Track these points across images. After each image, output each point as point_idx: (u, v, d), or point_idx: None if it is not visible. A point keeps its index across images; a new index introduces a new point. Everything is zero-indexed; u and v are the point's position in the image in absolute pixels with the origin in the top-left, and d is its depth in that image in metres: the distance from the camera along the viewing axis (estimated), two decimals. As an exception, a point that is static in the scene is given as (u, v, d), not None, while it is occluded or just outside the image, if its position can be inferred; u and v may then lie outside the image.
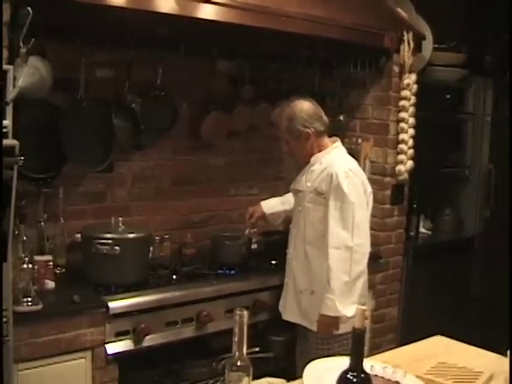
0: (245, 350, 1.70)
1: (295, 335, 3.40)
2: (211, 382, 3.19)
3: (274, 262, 3.66)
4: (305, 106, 3.19)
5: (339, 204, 3.08)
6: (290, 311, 3.32)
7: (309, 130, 3.16)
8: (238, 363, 1.70)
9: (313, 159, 3.24)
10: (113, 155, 3.38)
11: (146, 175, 3.67)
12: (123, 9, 2.74)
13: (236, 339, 1.70)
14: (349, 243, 3.05)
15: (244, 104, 3.85)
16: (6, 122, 2.40)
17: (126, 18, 2.96)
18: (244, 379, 1.71)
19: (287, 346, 3.50)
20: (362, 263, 3.12)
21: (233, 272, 3.45)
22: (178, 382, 3.23)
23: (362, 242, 3.11)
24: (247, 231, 3.58)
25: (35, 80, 2.73)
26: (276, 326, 3.49)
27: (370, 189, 3.26)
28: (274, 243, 3.79)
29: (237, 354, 1.70)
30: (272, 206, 3.62)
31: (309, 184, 3.22)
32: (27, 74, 2.67)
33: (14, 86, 2.48)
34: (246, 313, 1.67)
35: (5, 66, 2.51)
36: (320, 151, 3.24)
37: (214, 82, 3.82)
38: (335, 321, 3.07)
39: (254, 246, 3.80)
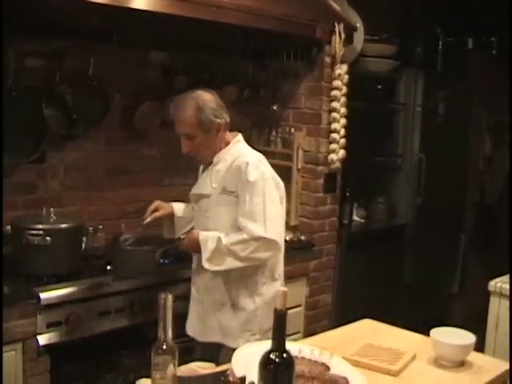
0: (170, 334, 1.73)
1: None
2: (144, 371, 3.18)
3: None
4: (211, 97, 2.95)
5: (249, 197, 2.82)
6: (210, 330, 3.03)
7: (220, 121, 2.91)
8: (164, 347, 1.73)
9: (215, 159, 2.96)
10: (45, 146, 3.35)
11: (79, 166, 3.65)
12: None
13: (161, 323, 1.72)
14: (260, 233, 2.80)
15: (177, 94, 3.84)
16: None
17: (58, 7, 2.93)
18: (170, 363, 1.74)
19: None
20: (263, 256, 2.88)
21: (167, 261, 3.46)
22: (113, 372, 3.22)
23: (274, 239, 2.84)
24: (145, 222, 3.18)
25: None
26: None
27: (282, 184, 3.01)
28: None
29: (162, 337, 1.73)
30: (183, 209, 3.28)
31: (215, 185, 2.95)
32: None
33: None
34: (170, 296, 1.70)
35: None
36: (225, 147, 2.98)
37: (147, 73, 3.83)
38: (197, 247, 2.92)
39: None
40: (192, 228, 3.13)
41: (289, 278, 3.79)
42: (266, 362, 1.64)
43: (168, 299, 1.69)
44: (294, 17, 3.67)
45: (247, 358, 2.00)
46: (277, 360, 1.63)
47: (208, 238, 2.87)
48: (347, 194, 4.55)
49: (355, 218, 4.81)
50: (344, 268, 4.41)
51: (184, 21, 3.21)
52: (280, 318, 1.63)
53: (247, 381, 1.73)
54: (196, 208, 3.08)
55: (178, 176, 4.10)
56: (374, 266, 4.61)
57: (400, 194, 5.09)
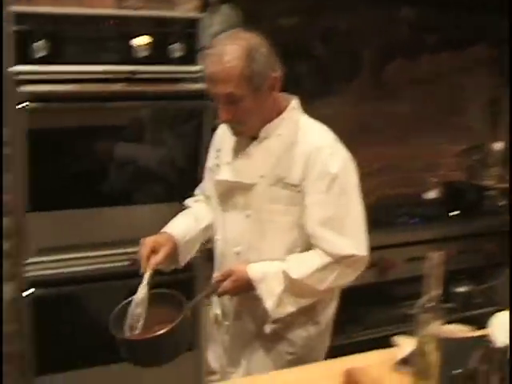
0: (437, 292, 1.70)
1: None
2: (390, 328, 3.20)
3: (453, 212, 3.63)
4: (259, 40, 2.00)
5: (330, 197, 2.00)
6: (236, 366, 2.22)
7: (276, 74, 2.01)
8: (428, 305, 1.71)
9: (263, 133, 2.05)
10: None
11: (329, 123, 3.69)
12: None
13: (428, 281, 1.70)
14: (350, 250, 2.00)
15: (427, 51, 3.79)
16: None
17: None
18: (433, 322, 1.72)
19: (467, 297, 3.45)
20: (347, 281, 2.08)
21: (414, 221, 3.43)
22: (355, 326, 3.27)
23: (365, 255, 2.05)
24: (146, 279, 2.00)
25: (227, 28, 2.83)
26: (456, 277, 3.45)
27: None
28: (455, 191, 3.74)
29: (428, 295, 1.71)
30: (185, 229, 2.20)
31: (263, 172, 2.04)
32: (219, 22, 2.79)
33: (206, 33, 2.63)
34: (439, 254, 1.66)
35: (196, 15, 2.65)
36: (277, 116, 2.07)
37: (397, 29, 3.78)
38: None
39: (432, 195, 3.74)
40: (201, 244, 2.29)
41: None
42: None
43: (437, 257, 1.66)
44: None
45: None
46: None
47: (266, 275, 2.01)
48: None
49: None
50: None
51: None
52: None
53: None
54: (221, 204, 2.16)
55: (426, 136, 4.00)
56: None
57: None
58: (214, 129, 2.30)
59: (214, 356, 2.33)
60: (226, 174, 2.11)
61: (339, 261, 1.98)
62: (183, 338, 1.97)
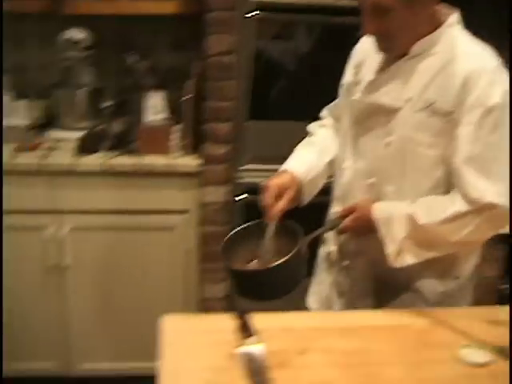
0: None
1: None
2: None
3: None
4: None
5: (483, 132, 1.66)
6: None
7: None
8: None
9: (415, 50, 1.73)
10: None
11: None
12: None
13: None
14: (492, 198, 1.66)
15: None
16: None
17: None
18: None
19: None
20: (486, 236, 1.79)
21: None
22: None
23: (508, 206, 1.67)
24: (271, 231, 1.82)
25: None
26: None
27: None
28: None
29: None
30: (308, 165, 1.96)
31: (411, 95, 1.74)
32: None
33: None
34: None
35: None
36: (432, 32, 1.73)
37: None
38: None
39: None
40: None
41: None
42: None
43: None
44: None
45: None
46: None
47: (392, 217, 1.76)
48: None
49: None
50: None
51: None
52: None
53: None
54: (355, 128, 1.88)
55: None
56: None
57: None
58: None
59: (318, 298, 2.11)
60: (365, 95, 1.83)
61: (479, 210, 1.67)
62: (296, 274, 1.79)
